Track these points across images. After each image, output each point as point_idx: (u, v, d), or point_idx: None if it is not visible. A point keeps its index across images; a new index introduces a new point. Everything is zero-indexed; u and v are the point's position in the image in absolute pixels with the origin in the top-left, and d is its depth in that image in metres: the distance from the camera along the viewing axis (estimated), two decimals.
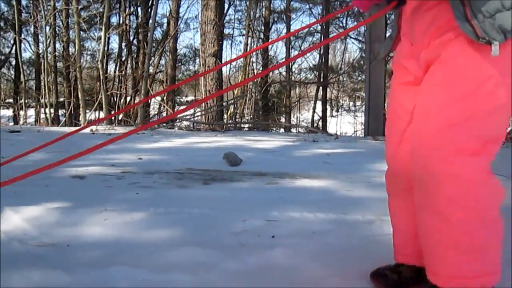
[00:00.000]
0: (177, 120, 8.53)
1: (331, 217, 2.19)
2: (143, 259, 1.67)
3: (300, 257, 1.69)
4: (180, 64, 13.87)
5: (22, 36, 12.39)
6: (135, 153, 4.28)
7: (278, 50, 19.08)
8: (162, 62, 13.20)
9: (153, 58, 11.46)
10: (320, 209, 2.32)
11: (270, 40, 12.31)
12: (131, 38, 12.49)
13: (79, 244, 1.83)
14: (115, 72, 12.29)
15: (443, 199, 1.18)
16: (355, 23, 11.64)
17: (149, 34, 10.61)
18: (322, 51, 12.70)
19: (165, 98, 11.53)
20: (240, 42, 13.71)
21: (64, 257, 1.70)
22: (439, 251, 1.22)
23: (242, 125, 9.46)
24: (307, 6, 13.27)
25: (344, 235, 1.95)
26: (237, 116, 11.38)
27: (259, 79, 11.68)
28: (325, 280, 1.51)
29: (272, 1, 13.33)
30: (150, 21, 10.94)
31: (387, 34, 1.58)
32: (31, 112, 12.32)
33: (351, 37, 13.11)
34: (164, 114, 11.73)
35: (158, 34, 12.94)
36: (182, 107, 13.85)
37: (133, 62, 12.33)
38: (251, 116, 11.70)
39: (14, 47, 12.94)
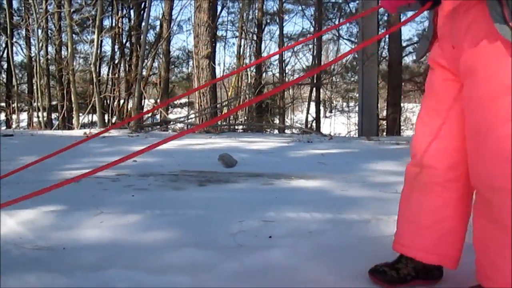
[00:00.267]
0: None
1: (327, 216, 2.20)
2: (140, 261, 1.67)
3: (297, 257, 1.70)
4: (173, 66, 13.90)
5: (14, 39, 12.34)
6: None
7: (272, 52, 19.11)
8: (155, 64, 13.23)
9: (146, 60, 11.45)
10: (316, 209, 2.32)
11: (263, 43, 12.36)
12: (124, 41, 12.50)
13: (75, 247, 1.82)
14: (108, 75, 12.27)
15: (509, 213, 1.17)
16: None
17: (142, 37, 10.60)
18: (315, 52, 12.74)
19: (158, 100, 11.53)
20: (233, 44, 13.76)
21: (60, 260, 1.69)
22: (497, 260, 1.22)
23: (236, 127, 9.46)
24: (300, 8, 13.35)
25: (340, 235, 1.96)
26: (231, 118, 11.39)
27: (252, 81, 11.70)
28: (322, 279, 1.52)
29: (265, 3, 13.39)
30: (143, 23, 10.95)
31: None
32: (24, 116, 12.26)
33: (343, 38, 13.19)
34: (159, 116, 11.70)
35: (151, 36, 12.97)
36: (176, 109, 13.86)
37: (126, 65, 12.33)
38: (245, 117, 11.71)
39: (5, 51, 12.88)
